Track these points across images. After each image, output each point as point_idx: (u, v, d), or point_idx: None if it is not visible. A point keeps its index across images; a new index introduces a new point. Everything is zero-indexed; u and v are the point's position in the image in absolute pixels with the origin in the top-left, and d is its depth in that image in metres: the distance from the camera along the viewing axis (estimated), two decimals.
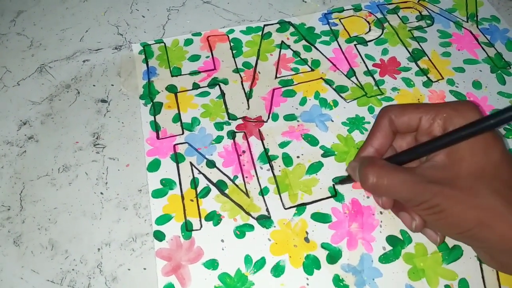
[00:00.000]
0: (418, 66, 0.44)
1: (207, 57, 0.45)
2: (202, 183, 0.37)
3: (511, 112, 0.24)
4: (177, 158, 0.38)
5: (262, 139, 0.39)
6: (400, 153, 0.30)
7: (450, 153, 0.27)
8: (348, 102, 0.42)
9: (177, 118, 0.41)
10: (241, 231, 0.34)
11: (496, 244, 0.27)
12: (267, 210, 0.35)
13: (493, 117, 0.25)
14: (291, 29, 0.48)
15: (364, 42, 0.47)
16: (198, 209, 0.35)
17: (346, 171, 0.35)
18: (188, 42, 0.47)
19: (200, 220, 0.35)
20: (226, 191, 0.36)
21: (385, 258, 0.33)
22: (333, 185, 0.36)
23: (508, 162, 0.27)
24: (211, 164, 0.38)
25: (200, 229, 0.34)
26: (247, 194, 0.36)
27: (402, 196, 0.28)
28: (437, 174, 0.27)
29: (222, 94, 0.42)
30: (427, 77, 0.43)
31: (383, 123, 0.31)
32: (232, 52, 0.46)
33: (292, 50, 0.46)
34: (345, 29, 0.48)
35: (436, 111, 0.29)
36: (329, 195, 0.36)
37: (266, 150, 0.38)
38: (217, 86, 0.43)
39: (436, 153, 0.28)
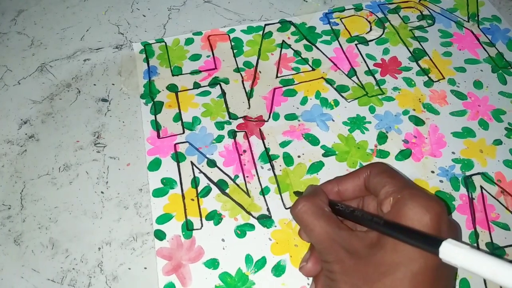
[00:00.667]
0: (419, 65, 0.44)
1: (208, 56, 0.45)
2: (203, 182, 0.37)
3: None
4: (178, 158, 0.38)
5: (263, 138, 0.39)
6: (342, 204, 0.29)
7: (383, 237, 0.25)
8: (349, 102, 0.42)
9: (178, 117, 0.41)
10: (241, 231, 0.34)
11: None
12: (268, 209, 0.35)
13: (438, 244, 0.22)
14: (292, 29, 0.48)
15: (365, 42, 0.47)
16: (199, 208, 0.35)
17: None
18: (189, 41, 0.47)
19: (201, 220, 0.35)
20: (227, 191, 0.36)
21: None
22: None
23: (422, 281, 0.23)
24: (211, 163, 0.38)
25: (200, 228, 0.34)
26: (248, 193, 0.36)
27: (313, 241, 0.27)
28: (358, 245, 0.25)
29: (223, 94, 0.42)
30: (428, 76, 0.43)
31: (360, 174, 0.29)
32: (233, 52, 0.46)
33: (293, 50, 0.46)
34: (346, 28, 0.48)
35: (395, 190, 0.26)
36: None
37: (267, 150, 0.38)
38: (218, 86, 0.43)
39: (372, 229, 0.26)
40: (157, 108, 0.41)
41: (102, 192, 0.36)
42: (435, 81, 0.43)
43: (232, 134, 0.39)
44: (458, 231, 0.30)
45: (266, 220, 0.35)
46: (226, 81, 0.43)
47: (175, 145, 0.39)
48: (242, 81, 0.43)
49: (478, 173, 0.37)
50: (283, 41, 0.47)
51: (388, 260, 0.24)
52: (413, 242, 0.23)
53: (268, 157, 0.38)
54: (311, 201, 0.28)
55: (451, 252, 0.21)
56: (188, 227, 0.34)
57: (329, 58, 0.45)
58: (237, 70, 0.44)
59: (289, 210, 0.35)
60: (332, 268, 0.26)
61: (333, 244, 0.26)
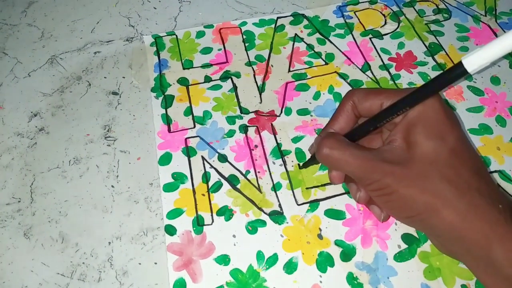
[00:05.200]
0: (435, 60, 0.43)
1: (219, 49, 0.45)
2: (214, 177, 0.36)
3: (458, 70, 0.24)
4: (189, 152, 0.37)
5: (274, 133, 0.39)
6: (357, 127, 0.30)
7: (407, 136, 0.27)
8: None
9: (189, 111, 0.40)
10: (253, 227, 0.34)
11: (444, 231, 0.26)
12: (280, 206, 0.35)
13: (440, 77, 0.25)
14: (305, 22, 0.47)
15: (380, 36, 0.46)
16: (210, 203, 0.35)
17: (308, 150, 0.36)
18: (200, 34, 0.46)
19: (212, 215, 0.34)
20: (238, 186, 0.36)
21: (400, 257, 0.32)
22: (299, 167, 0.36)
23: (462, 149, 0.27)
24: (222, 158, 0.37)
25: (211, 224, 0.34)
26: (259, 189, 0.36)
27: (352, 171, 0.28)
28: (392, 156, 0.27)
29: (234, 88, 0.42)
30: None
31: (345, 107, 0.31)
32: (245, 45, 0.45)
33: (306, 43, 0.45)
34: (360, 22, 0.47)
35: (396, 96, 0.28)
36: (343, 191, 0.35)
37: (278, 145, 0.38)
38: (229, 79, 0.42)
39: (394, 137, 0.28)
40: (167, 101, 0.41)
41: (112, 186, 0.36)
42: None
43: (244, 129, 0.39)
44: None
45: (277, 216, 0.34)
46: (238, 75, 0.43)
47: (186, 139, 0.38)
48: (254, 75, 0.43)
49: (495, 171, 0.36)
50: (296, 34, 0.46)
51: (427, 150, 0.26)
52: (441, 87, 0.26)
53: (280, 152, 0.37)
54: (333, 138, 0.29)
55: (473, 60, 0.23)
56: (199, 223, 0.34)
57: (342, 52, 0.44)
58: (249, 63, 0.43)
59: (301, 206, 0.34)
60: (385, 183, 0.27)
61: (373, 163, 0.27)
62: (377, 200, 0.29)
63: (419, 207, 0.26)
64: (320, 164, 0.36)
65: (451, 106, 0.40)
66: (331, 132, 0.31)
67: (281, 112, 0.40)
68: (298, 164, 0.37)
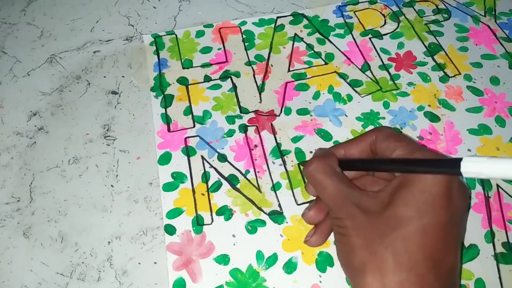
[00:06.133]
0: (434, 60, 0.43)
1: (219, 49, 0.45)
2: (214, 177, 0.36)
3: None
4: (188, 152, 0.37)
5: (274, 133, 0.39)
6: (358, 160, 0.30)
7: (394, 192, 0.25)
8: (362, 97, 0.41)
9: (188, 111, 0.40)
10: (252, 227, 0.34)
11: None
12: (279, 205, 0.35)
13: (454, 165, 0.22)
14: (305, 22, 0.47)
15: (379, 36, 0.46)
16: (209, 203, 0.35)
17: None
18: (200, 34, 0.46)
19: (211, 215, 0.34)
20: (238, 186, 0.36)
21: None
22: (299, 167, 0.37)
23: (441, 235, 0.24)
24: (222, 158, 0.37)
25: (211, 223, 0.34)
26: (259, 189, 0.36)
27: (325, 198, 0.28)
28: (368, 204, 0.26)
29: (234, 87, 0.42)
30: (444, 72, 0.42)
31: (366, 139, 0.29)
32: (244, 45, 0.45)
33: (306, 43, 0.45)
34: (360, 22, 0.47)
35: (407, 152, 0.26)
36: None
37: (278, 145, 0.38)
38: (229, 79, 0.42)
39: (385, 187, 0.26)
40: (167, 101, 0.41)
41: (112, 186, 0.36)
42: (451, 77, 0.42)
43: (243, 128, 0.39)
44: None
45: (277, 216, 0.34)
46: (237, 75, 0.43)
47: (185, 139, 0.38)
48: (254, 75, 0.43)
49: None
50: (296, 34, 0.46)
51: (400, 214, 0.24)
52: (434, 169, 0.24)
53: (279, 152, 0.37)
54: (324, 160, 0.28)
55: (472, 166, 0.21)
56: (198, 222, 0.34)
57: (342, 52, 0.44)
58: (249, 63, 0.43)
59: (301, 206, 0.34)
60: (344, 224, 0.26)
61: (345, 201, 0.26)
62: (334, 235, 0.29)
63: (354, 260, 0.25)
64: None
65: (450, 106, 0.40)
66: (330, 151, 0.30)
67: (281, 111, 0.40)
68: (298, 165, 0.37)
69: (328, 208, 0.28)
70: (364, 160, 0.29)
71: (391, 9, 0.48)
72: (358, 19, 0.47)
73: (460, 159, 0.22)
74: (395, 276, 0.24)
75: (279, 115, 0.40)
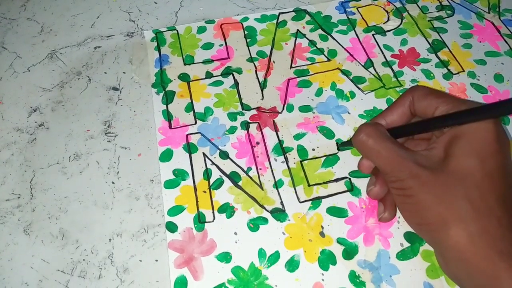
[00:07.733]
0: (438, 57, 0.43)
1: (221, 45, 0.44)
2: (215, 174, 0.36)
3: None
4: (190, 149, 0.37)
5: (276, 130, 0.38)
6: (404, 126, 0.30)
7: (448, 146, 0.26)
8: (365, 94, 0.40)
9: (190, 107, 0.40)
10: (254, 224, 0.33)
11: (448, 249, 0.25)
12: (282, 203, 0.34)
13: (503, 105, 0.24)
14: (307, 18, 0.47)
15: (383, 32, 0.45)
16: (211, 200, 0.34)
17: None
18: (201, 29, 0.46)
19: (213, 212, 0.34)
20: (240, 183, 0.35)
21: (403, 255, 0.32)
22: (337, 147, 0.37)
23: (499, 176, 0.25)
24: (224, 155, 0.37)
25: (213, 221, 0.34)
26: (261, 186, 0.35)
27: (381, 163, 0.27)
28: (426, 161, 0.26)
29: (236, 84, 0.41)
30: (448, 69, 0.42)
31: (403, 101, 0.30)
32: (246, 41, 0.45)
33: (308, 39, 0.45)
34: (362, 18, 0.46)
35: (453, 106, 0.27)
36: (345, 189, 0.35)
37: (280, 142, 0.38)
38: (231, 75, 0.42)
39: (436, 144, 0.27)
40: (168, 97, 0.40)
41: (113, 183, 0.36)
42: (455, 74, 0.42)
43: (245, 125, 0.39)
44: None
45: (279, 213, 0.34)
46: (239, 71, 0.42)
47: (187, 135, 0.38)
48: (256, 71, 0.42)
49: None
50: (298, 30, 0.45)
51: (463, 165, 0.25)
52: (492, 114, 0.24)
53: (281, 149, 0.37)
54: (373, 126, 0.28)
55: None
56: (200, 220, 0.34)
57: (345, 49, 0.44)
58: (251, 59, 0.43)
59: (303, 203, 0.34)
60: (407, 185, 0.26)
61: (404, 161, 0.26)
62: (396, 199, 0.29)
63: (431, 216, 0.25)
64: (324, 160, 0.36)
65: None
66: (376, 122, 0.30)
67: (283, 108, 0.40)
68: (337, 143, 0.37)
69: (385, 172, 0.28)
70: (415, 124, 0.29)
71: (394, 5, 0.48)
72: (361, 15, 0.47)
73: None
74: (478, 223, 0.24)
75: (281, 112, 0.39)
